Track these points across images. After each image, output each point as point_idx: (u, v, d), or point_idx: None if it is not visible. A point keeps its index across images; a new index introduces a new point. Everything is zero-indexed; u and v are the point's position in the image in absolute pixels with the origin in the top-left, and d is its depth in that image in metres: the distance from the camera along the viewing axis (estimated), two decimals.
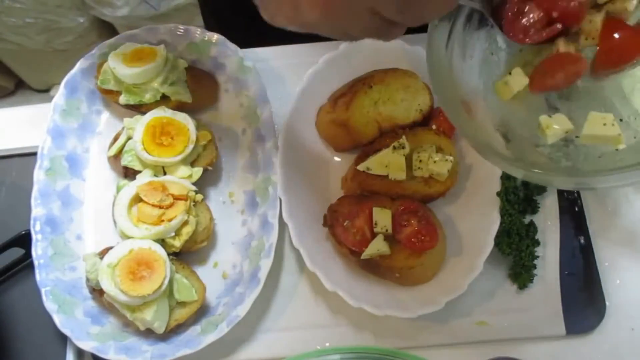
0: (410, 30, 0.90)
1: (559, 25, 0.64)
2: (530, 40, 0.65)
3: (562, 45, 0.65)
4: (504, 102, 0.69)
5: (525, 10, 0.65)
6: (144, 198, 0.79)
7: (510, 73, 0.68)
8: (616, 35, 0.64)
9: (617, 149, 0.64)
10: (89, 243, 0.84)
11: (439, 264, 0.78)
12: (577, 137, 0.66)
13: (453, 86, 0.68)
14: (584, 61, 0.64)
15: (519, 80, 0.67)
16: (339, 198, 0.81)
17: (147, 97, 0.86)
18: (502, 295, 0.80)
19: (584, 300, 0.79)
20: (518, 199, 0.80)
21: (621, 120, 0.66)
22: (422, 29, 0.92)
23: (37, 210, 0.81)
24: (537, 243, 0.80)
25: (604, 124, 0.64)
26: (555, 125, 0.66)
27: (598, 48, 0.65)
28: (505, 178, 0.79)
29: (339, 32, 0.57)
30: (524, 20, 0.65)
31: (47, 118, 0.86)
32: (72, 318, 0.77)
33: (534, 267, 0.79)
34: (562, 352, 0.77)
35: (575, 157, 0.66)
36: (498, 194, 0.78)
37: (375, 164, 0.79)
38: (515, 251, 0.79)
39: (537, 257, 0.80)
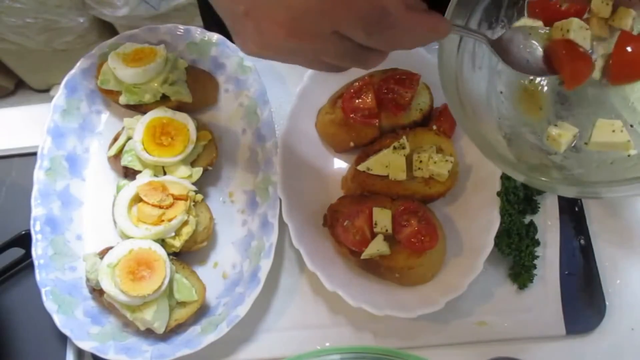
0: None
1: None
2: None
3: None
4: (517, 112, 0.70)
5: None
6: (144, 198, 0.79)
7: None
8: (629, 49, 0.64)
9: (628, 155, 0.64)
10: (89, 243, 0.84)
11: (439, 264, 0.78)
12: (585, 144, 0.66)
13: (464, 95, 0.68)
14: None
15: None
16: (339, 198, 0.81)
17: (147, 97, 0.86)
18: (502, 295, 0.80)
19: (584, 300, 0.79)
20: (518, 199, 0.80)
21: (631, 126, 0.66)
22: None
23: (37, 210, 0.81)
24: (537, 243, 0.80)
25: (613, 131, 0.64)
26: (564, 133, 0.66)
27: (612, 59, 0.65)
28: (505, 178, 0.79)
29: (312, 58, 0.54)
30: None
31: (47, 118, 0.86)
32: (72, 318, 0.77)
33: (534, 267, 0.79)
34: (562, 352, 0.77)
35: (588, 165, 0.66)
36: (498, 194, 0.78)
37: (375, 164, 0.79)
38: (515, 251, 0.79)
39: (537, 257, 0.80)
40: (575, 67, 0.65)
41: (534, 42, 0.66)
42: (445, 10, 0.66)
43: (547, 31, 0.67)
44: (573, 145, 0.67)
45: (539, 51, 0.66)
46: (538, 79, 0.69)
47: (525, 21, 0.70)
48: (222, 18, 0.55)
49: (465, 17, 0.68)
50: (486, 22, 0.70)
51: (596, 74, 0.66)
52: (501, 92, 0.71)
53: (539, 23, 0.68)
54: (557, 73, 0.66)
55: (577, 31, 0.65)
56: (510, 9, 0.71)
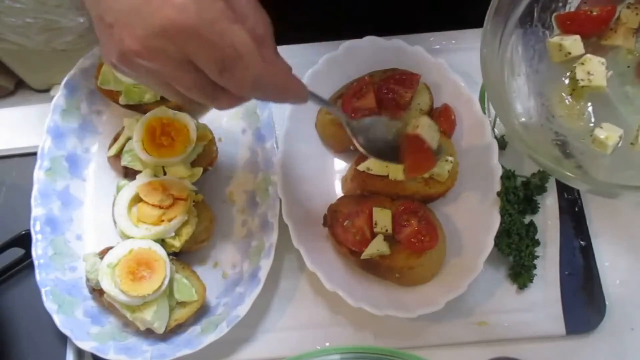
0: (411, 30, 0.91)
1: None
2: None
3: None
4: (562, 120, 0.72)
5: None
6: (144, 198, 0.79)
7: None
8: None
9: None
10: (89, 243, 0.84)
11: (439, 264, 0.78)
12: (632, 144, 0.68)
13: (508, 106, 0.70)
14: None
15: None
16: (339, 198, 0.81)
17: (147, 97, 0.86)
18: (502, 295, 0.80)
19: (584, 300, 0.79)
20: (518, 199, 0.80)
21: None
22: (421, 29, 0.93)
23: (37, 210, 0.81)
24: (537, 243, 0.80)
25: None
26: (611, 135, 0.67)
27: None
28: (505, 178, 0.79)
29: (164, 83, 0.54)
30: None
31: (47, 118, 0.86)
32: (72, 318, 0.77)
33: (534, 267, 0.79)
34: (562, 352, 0.77)
35: (637, 166, 0.68)
36: (498, 194, 0.78)
37: (375, 164, 0.79)
38: (515, 251, 0.79)
39: (537, 257, 0.80)
40: (416, 159, 0.73)
41: (389, 132, 0.73)
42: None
43: (400, 126, 0.74)
44: (620, 147, 0.68)
45: (392, 141, 0.73)
46: (581, 84, 0.71)
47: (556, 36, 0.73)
48: (94, 25, 0.56)
49: (502, 24, 0.70)
50: (521, 29, 0.72)
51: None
52: (542, 101, 0.72)
53: (576, 36, 0.71)
54: (402, 162, 0.72)
55: (426, 128, 0.72)
56: (541, 18, 0.73)
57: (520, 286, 0.79)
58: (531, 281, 0.79)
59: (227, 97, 0.55)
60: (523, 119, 0.71)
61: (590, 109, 0.72)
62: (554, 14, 0.74)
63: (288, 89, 0.57)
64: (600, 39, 0.73)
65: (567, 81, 0.73)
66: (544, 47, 0.74)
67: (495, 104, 0.69)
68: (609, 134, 0.67)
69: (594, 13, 0.71)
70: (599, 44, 0.73)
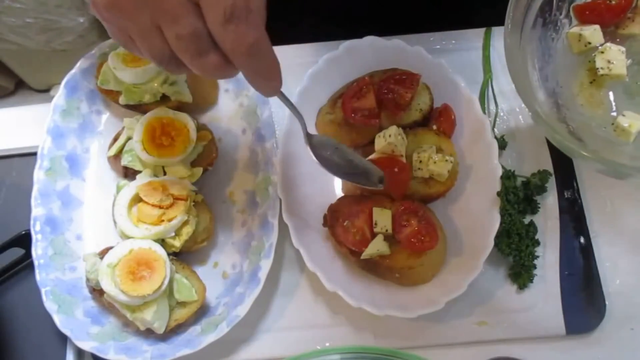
0: (411, 30, 0.91)
1: None
2: None
3: None
4: (583, 108, 0.73)
5: None
6: (144, 198, 0.79)
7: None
8: None
9: None
10: (89, 243, 0.84)
11: (439, 264, 0.78)
12: None
13: (532, 94, 0.71)
14: None
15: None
16: (339, 198, 0.81)
17: (147, 97, 0.86)
18: (502, 295, 0.80)
19: (584, 300, 0.79)
20: (518, 199, 0.80)
21: None
22: (421, 29, 0.93)
23: (37, 210, 0.81)
24: (537, 243, 0.80)
25: None
26: (634, 123, 0.67)
27: None
28: (505, 178, 0.79)
29: (152, 25, 0.50)
30: None
31: (47, 118, 0.86)
32: (72, 318, 0.77)
33: (534, 267, 0.79)
34: (562, 352, 0.77)
35: None
36: (498, 194, 0.78)
37: (375, 163, 0.79)
38: (515, 251, 0.79)
39: (537, 257, 0.80)
40: (397, 179, 0.75)
41: (342, 152, 0.73)
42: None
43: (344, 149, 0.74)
44: None
45: (344, 160, 0.73)
46: (600, 72, 0.72)
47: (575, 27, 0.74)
48: None
49: (523, 15, 0.71)
50: (541, 18, 0.72)
51: None
52: (562, 90, 0.73)
53: (595, 26, 0.72)
54: (355, 181, 0.74)
55: (395, 137, 0.75)
56: (560, 8, 0.75)
57: (520, 286, 0.79)
58: (531, 281, 0.79)
59: (215, 58, 0.51)
60: (545, 107, 0.71)
61: (611, 97, 0.72)
62: (573, 4, 0.74)
63: (275, 68, 0.55)
64: (618, 28, 0.74)
65: (586, 70, 0.73)
66: (563, 38, 0.74)
67: (519, 90, 0.70)
68: (631, 122, 0.67)
69: (613, 2, 0.72)
70: (617, 33, 0.73)
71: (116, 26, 0.53)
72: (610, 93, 0.72)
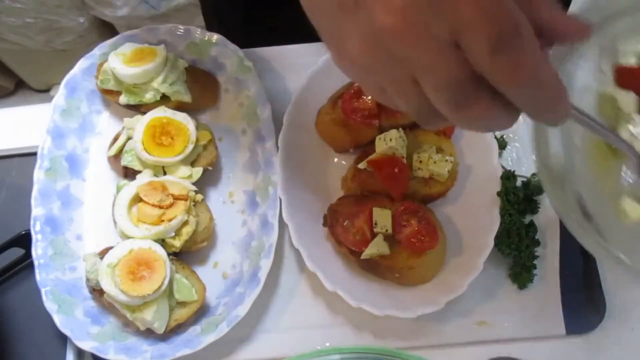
0: None
1: None
2: None
3: None
4: (591, 174, 0.66)
5: None
6: (144, 198, 0.79)
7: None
8: None
9: None
10: (89, 243, 0.84)
11: (439, 264, 0.78)
12: None
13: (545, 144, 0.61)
14: None
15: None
16: (339, 198, 0.81)
17: (147, 97, 0.86)
18: (502, 295, 0.80)
19: (584, 300, 0.79)
20: (518, 199, 0.80)
21: None
22: None
23: (37, 210, 0.81)
24: (537, 243, 0.80)
25: None
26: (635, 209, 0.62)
27: None
28: (505, 178, 0.79)
29: (406, 79, 0.43)
30: None
31: (47, 118, 0.86)
32: (72, 318, 0.77)
33: (534, 267, 0.79)
34: (562, 352, 0.77)
35: None
36: (498, 194, 0.78)
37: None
38: (515, 251, 0.79)
39: (537, 257, 0.80)
40: (397, 179, 0.75)
41: None
42: None
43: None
44: None
45: None
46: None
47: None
48: (314, 17, 0.47)
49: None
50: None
51: None
52: (574, 149, 0.67)
53: (631, 93, 0.64)
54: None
55: (398, 140, 0.75)
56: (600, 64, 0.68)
57: (520, 286, 0.79)
58: (531, 281, 0.79)
59: (480, 107, 0.42)
60: (554, 161, 0.66)
61: (623, 171, 0.68)
62: (615, 65, 0.68)
63: (562, 94, 0.44)
64: None
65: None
66: (593, 94, 0.70)
67: (534, 137, 0.61)
68: (633, 208, 0.63)
69: None
70: None
71: (368, 82, 0.48)
72: (624, 167, 0.68)
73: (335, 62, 0.47)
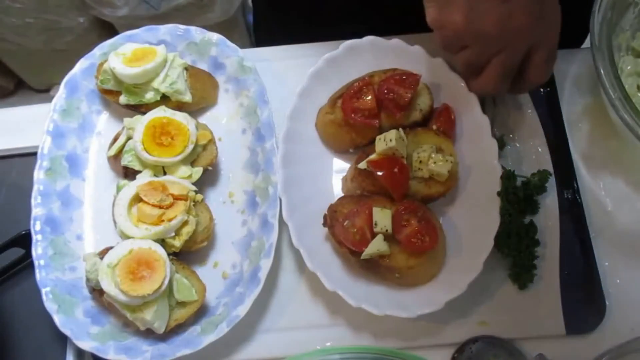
0: (411, 30, 0.91)
1: None
2: None
3: None
4: None
5: None
6: (144, 198, 0.79)
7: None
8: None
9: None
10: (89, 243, 0.84)
11: (439, 264, 0.78)
12: None
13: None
14: None
15: None
16: (339, 198, 0.81)
17: (147, 97, 0.86)
18: (502, 295, 0.80)
19: (584, 300, 0.79)
20: (518, 199, 0.80)
21: None
22: (421, 29, 0.93)
23: (37, 210, 0.81)
24: (537, 243, 0.80)
25: None
26: None
27: None
28: (505, 178, 0.79)
29: (488, 54, 0.72)
30: None
31: (47, 118, 0.87)
32: (72, 318, 0.77)
33: (534, 267, 0.79)
34: (562, 352, 0.77)
35: None
36: (498, 194, 0.78)
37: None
38: (515, 251, 0.79)
39: (537, 257, 0.80)
40: (397, 180, 0.77)
41: None
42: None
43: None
44: None
45: None
46: None
47: None
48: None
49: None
50: None
51: None
52: None
53: None
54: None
55: (398, 140, 0.76)
56: None
57: (520, 286, 0.79)
58: (531, 281, 0.79)
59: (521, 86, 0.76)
60: None
61: None
62: None
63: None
64: None
65: None
66: None
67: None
68: None
69: None
70: None
71: (455, 45, 0.73)
72: None
73: (437, 23, 0.70)
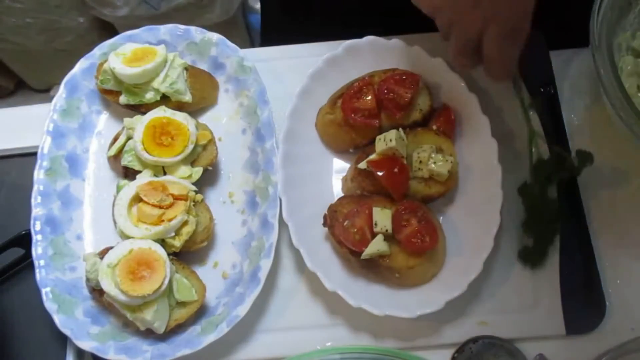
0: (411, 30, 0.91)
1: None
2: None
3: None
4: None
5: None
6: (144, 198, 0.79)
7: None
8: None
9: None
10: (89, 243, 0.84)
11: (439, 264, 0.78)
12: None
13: None
14: None
15: None
16: (339, 198, 0.81)
17: (147, 97, 0.86)
18: (502, 295, 0.80)
19: (584, 300, 0.79)
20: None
21: None
22: (421, 29, 0.94)
23: (37, 210, 0.81)
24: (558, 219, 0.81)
25: None
26: None
27: None
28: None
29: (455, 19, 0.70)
30: None
31: (47, 118, 0.87)
32: (72, 318, 0.77)
33: (551, 243, 0.80)
34: (562, 352, 0.77)
35: None
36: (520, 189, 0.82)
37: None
38: (537, 232, 0.80)
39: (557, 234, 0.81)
40: (397, 180, 0.77)
41: None
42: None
43: None
44: None
45: None
46: None
47: None
48: None
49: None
50: None
51: None
52: None
53: None
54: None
55: (398, 140, 0.76)
56: None
57: (530, 267, 0.80)
58: (541, 264, 0.80)
59: (497, 67, 0.73)
60: None
61: None
62: None
63: (509, 72, 0.75)
64: None
65: None
66: None
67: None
68: None
69: None
70: None
71: (444, 16, 0.72)
72: None
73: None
